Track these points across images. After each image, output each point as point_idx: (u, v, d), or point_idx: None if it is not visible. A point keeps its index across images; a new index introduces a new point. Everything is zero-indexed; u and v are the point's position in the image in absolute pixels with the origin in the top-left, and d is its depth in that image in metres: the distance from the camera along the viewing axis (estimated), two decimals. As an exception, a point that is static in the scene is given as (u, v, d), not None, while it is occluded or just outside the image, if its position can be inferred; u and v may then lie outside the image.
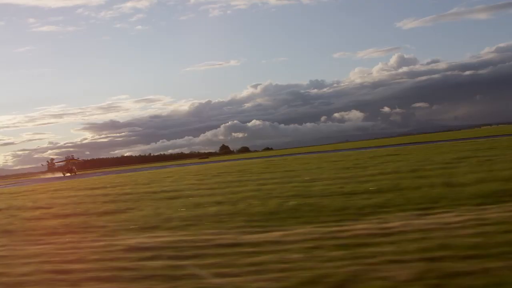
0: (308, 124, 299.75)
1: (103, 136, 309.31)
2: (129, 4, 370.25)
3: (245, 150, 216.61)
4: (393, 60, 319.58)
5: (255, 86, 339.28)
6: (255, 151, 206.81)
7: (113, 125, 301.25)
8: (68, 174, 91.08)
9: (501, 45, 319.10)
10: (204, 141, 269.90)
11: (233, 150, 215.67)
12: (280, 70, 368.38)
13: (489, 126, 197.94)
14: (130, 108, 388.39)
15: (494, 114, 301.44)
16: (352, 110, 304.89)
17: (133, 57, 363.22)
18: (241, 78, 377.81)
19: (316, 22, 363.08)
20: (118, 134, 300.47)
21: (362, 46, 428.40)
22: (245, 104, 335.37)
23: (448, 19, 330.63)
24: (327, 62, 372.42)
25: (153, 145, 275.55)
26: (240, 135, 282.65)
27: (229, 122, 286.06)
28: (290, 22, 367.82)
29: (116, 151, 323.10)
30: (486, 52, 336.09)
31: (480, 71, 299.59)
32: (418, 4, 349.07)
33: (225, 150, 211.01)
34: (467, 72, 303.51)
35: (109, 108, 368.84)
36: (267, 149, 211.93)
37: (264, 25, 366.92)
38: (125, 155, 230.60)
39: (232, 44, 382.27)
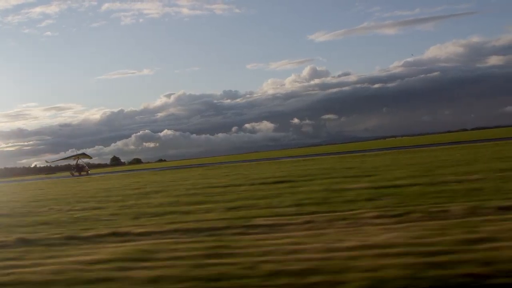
0: (220, 135, 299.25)
1: (10, 144, 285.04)
2: (38, 10, 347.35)
3: (137, 161, 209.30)
4: (305, 72, 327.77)
5: (169, 96, 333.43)
6: (148, 162, 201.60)
7: (20, 134, 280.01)
8: (77, 174, 74.94)
9: (409, 59, 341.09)
10: (114, 150, 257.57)
11: (124, 162, 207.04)
12: (193, 80, 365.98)
13: (393, 138, 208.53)
14: (39, 116, 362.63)
15: (402, 126, 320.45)
16: (263, 121, 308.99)
17: (42, 64, 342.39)
18: (154, 87, 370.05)
19: (229, 32, 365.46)
20: (26, 143, 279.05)
21: (275, 57, 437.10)
22: (158, 114, 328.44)
23: (359, 33, 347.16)
24: (241, 72, 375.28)
25: (62, 154, 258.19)
26: (152, 145, 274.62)
27: (141, 132, 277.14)
28: (204, 32, 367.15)
29: (24, 160, 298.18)
30: (395, 66, 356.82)
31: (389, 84, 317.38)
32: (329, 18, 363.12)
33: (116, 161, 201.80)
34: (376, 85, 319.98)
35: (17, 116, 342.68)
36: (161, 160, 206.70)
37: (177, 34, 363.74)
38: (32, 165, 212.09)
39: (145, 53, 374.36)
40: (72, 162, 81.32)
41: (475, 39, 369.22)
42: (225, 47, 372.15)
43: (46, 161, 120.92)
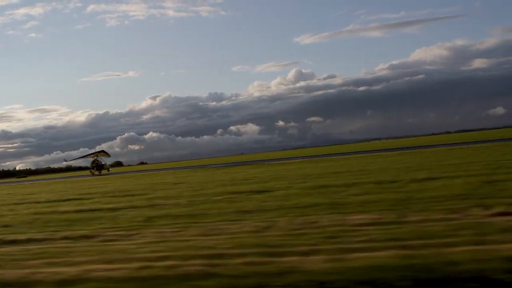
0: (206, 137, 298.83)
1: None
2: (22, 11, 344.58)
3: (117, 164, 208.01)
4: (291, 74, 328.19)
5: (154, 98, 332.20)
6: (128, 165, 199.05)
7: (4, 136, 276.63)
8: (98, 173, 70.93)
9: (394, 62, 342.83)
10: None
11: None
12: (179, 82, 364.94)
13: (378, 140, 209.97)
14: (24, 118, 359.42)
15: (387, 128, 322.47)
16: (248, 124, 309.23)
17: (26, 66, 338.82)
18: (140, 89, 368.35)
19: (215, 35, 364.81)
20: (10, 145, 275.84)
21: (261, 60, 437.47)
22: (143, 116, 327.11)
23: (344, 36, 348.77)
24: (227, 75, 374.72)
25: (46, 156, 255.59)
26: (137, 147, 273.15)
27: (126, 134, 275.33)
28: (189, 34, 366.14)
29: (8, 163, 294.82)
30: (380, 68, 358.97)
31: (374, 87, 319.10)
32: (315, 20, 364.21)
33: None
34: (362, 88, 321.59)
35: (0, 118, 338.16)
36: (142, 163, 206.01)
37: (163, 36, 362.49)
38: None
39: (130, 55, 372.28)
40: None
41: (460, 42, 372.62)
42: (211, 50, 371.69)
43: (65, 160, 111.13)
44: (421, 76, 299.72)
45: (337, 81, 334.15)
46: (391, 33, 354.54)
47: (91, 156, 76.76)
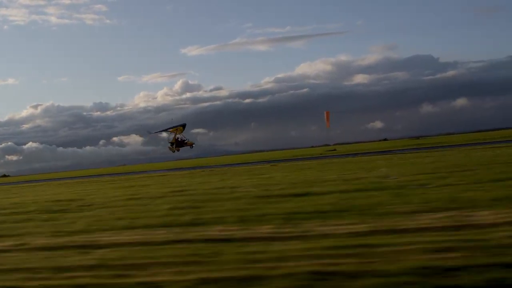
0: (88, 148, 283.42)
1: None
2: None
3: None
4: (177, 85, 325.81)
5: (36, 107, 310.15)
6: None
7: None
8: (177, 150, 59.60)
9: (280, 75, 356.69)
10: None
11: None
12: (62, 91, 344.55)
13: (261, 152, 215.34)
14: None
15: (271, 141, 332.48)
16: (132, 134, 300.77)
17: None
18: (20, 97, 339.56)
19: (100, 43, 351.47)
20: None
21: (148, 70, 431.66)
22: (24, 125, 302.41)
23: (231, 49, 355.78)
24: (112, 84, 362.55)
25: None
26: (15, 158, 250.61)
27: (3, 144, 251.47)
28: (74, 41, 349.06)
29: None
30: (266, 81, 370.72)
31: (260, 99, 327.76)
32: (202, 32, 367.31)
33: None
34: (247, 100, 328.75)
35: None
36: (4, 176, 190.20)
37: (45, 43, 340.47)
38: None
39: (10, 61, 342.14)
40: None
41: (343, 57, 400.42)
42: (96, 58, 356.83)
43: (149, 132, 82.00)
44: (305, 89, 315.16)
45: (223, 93, 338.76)
46: (277, 47, 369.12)
47: (170, 130, 61.23)
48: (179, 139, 60.36)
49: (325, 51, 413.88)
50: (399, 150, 66.49)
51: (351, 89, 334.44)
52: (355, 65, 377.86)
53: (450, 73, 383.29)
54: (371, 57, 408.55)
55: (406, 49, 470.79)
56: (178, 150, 60.29)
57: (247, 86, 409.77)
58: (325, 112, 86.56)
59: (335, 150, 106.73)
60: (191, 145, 60.94)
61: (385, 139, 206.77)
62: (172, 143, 60.58)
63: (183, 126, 61.61)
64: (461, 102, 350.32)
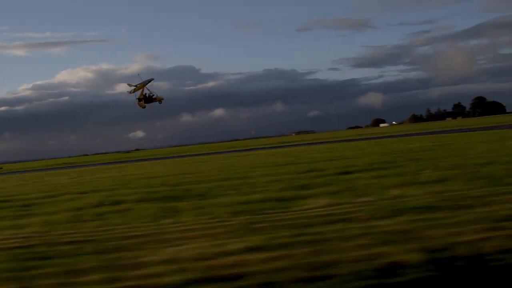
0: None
1: None
2: None
3: None
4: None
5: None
6: None
7: None
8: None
9: (39, 82, 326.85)
10: None
11: None
12: None
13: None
14: None
15: (29, 151, 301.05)
16: None
17: None
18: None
19: None
20: None
21: None
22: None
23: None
24: None
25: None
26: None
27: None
28: None
29: None
30: (24, 88, 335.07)
31: (17, 107, 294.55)
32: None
33: None
34: (2, 108, 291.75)
35: None
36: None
37: None
38: None
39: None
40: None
41: (105, 66, 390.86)
42: None
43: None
44: (65, 97, 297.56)
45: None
46: (36, 52, 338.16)
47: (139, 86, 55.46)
48: (147, 95, 58.09)
49: (87, 59, 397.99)
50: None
51: (114, 98, 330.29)
52: (118, 74, 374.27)
53: (211, 83, 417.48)
54: (135, 66, 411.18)
55: (169, 59, 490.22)
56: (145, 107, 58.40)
57: (2, 93, 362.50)
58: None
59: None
60: (160, 100, 58.36)
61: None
62: (139, 99, 57.46)
63: (150, 81, 58.59)
64: (219, 112, 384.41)
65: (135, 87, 60.16)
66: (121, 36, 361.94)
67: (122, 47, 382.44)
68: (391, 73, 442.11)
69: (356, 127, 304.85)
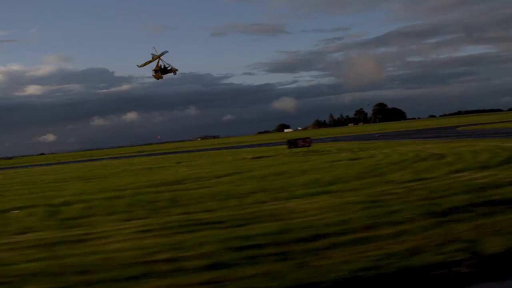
0: None
1: None
2: None
3: None
4: None
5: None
6: None
7: None
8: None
9: None
10: None
11: None
12: None
13: None
14: None
15: None
16: None
17: None
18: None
19: None
20: None
21: None
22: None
23: None
24: None
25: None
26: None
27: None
28: None
29: None
30: None
31: None
32: None
33: None
34: None
35: None
36: None
37: None
38: None
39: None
40: None
41: (15, 67, 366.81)
42: None
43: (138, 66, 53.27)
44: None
45: None
46: None
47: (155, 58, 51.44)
48: (162, 67, 56.23)
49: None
50: None
51: (23, 100, 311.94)
52: (29, 76, 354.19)
53: (125, 87, 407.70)
54: (46, 68, 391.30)
55: (82, 62, 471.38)
56: (161, 77, 56.84)
57: None
58: None
59: None
60: (175, 71, 57.02)
61: None
62: (156, 70, 55.42)
63: (164, 53, 56.03)
64: (131, 116, 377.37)
65: (147, 61, 68.35)
66: (31, 36, 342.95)
67: (33, 48, 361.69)
68: (305, 78, 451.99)
69: (265, 132, 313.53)
